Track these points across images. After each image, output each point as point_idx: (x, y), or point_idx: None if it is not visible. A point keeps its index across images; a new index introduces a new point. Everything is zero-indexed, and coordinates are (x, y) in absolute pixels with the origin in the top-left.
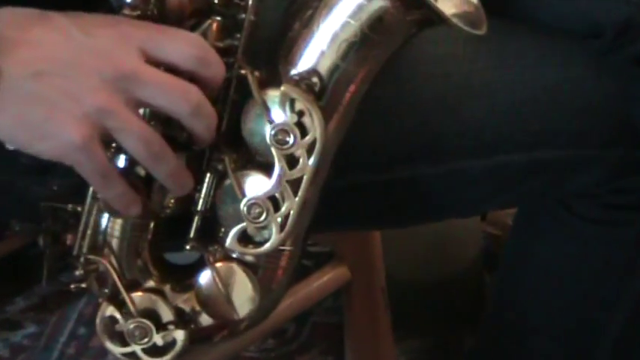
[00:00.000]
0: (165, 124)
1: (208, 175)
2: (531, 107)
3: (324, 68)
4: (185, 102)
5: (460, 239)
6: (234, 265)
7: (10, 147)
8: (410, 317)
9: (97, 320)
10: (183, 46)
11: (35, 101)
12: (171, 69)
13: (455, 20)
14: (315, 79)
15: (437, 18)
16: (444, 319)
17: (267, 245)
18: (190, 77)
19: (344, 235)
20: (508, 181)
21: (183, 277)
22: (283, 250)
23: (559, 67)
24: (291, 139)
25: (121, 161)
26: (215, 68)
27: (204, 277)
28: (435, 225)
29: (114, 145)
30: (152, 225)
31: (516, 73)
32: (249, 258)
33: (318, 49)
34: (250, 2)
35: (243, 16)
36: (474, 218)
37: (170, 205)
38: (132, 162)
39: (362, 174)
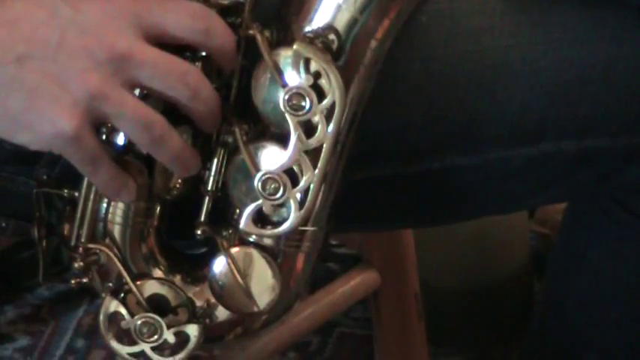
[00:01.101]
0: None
1: (218, 150)
2: (580, 88)
3: (340, 23)
4: (183, 85)
5: (505, 240)
6: (252, 250)
7: None
8: (447, 329)
9: (101, 317)
10: (184, 17)
11: (17, 88)
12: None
13: None
14: (331, 36)
15: None
16: (486, 331)
17: (287, 224)
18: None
19: (372, 235)
20: (554, 173)
21: (194, 266)
22: (305, 230)
23: (611, 43)
24: (307, 104)
25: (119, 139)
26: (221, 38)
27: (219, 265)
28: (476, 223)
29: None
30: (158, 210)
31: (562, 49)
32: (267, 241)
33: (333, 2)
34: None
35: None
36: (520, 216)
37: (176, 186)
38: (130, 141)
39: (386, 166)
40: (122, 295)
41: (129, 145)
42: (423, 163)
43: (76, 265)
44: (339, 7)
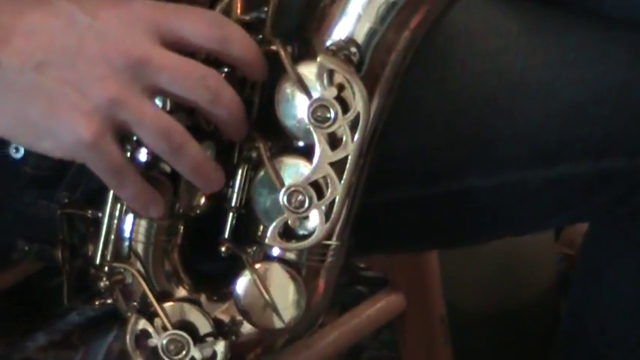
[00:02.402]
0: (189, 112)
1: (241, 166)
2: (596, 109)
3: (361, 35)
4: (203, 88)
5: (531, 262)
6: (276, 265)
7: (15, 155)
8: (474, 351)
9: (127, 336)
10: (201, 25)
11: (37, 95)
12: (193, 52)
13: None
14: (353, 49)
15: None
16: (513, 354)
17: (313, 237)
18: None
19: (397, 258)
20: (571, 194)
21: (218, 284)
22: (328, 245)
23: (627, 63)
24: (332, 116)
25: (143, 155)
26: (240, 47)
27: (243, 282)
28: (502, 245)
29: (135, 138)
30: (181, 227)
31: (578, 70)
32: (290, 256)
33: (354, 14)
34: None
35: None
36: (546, 237)
37: (200, 203)
38: (155, 157)
39: (403, 188)
40: (148, 313)
41: (153, 161)
42: (442, 185)
43: (101, 284)
44: (359, 18)
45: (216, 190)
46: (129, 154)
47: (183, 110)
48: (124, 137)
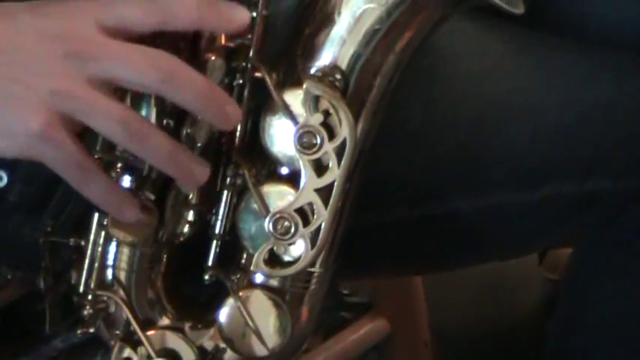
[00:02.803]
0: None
1: (225, 193)
2: (581, 131)
3: (345, 59)
4: (152, 69)
5: (516, 285)
6: (260, 292)
7: None
8: None
9: None
10: (138, 5)
11: None
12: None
13: None
14: (338, 75)
15: None
16: None
17: (298, 264)
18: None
19: (382, 283)
20: (557, 216)
21: (203, 311)
22: (312, 272)
23: (611, 85)
24: (318, 142)
25: (126, 182)
26: (182, 17)
27: (228, 309)
28: (486, 270)
29: (119, 165)
30: (165, 255)
31: (563, 92)
32: (273, 282)
33: (338, 41)
34: None
35: (254, 14)
36: (531, 261)
37: (184, 231)
38: (139, 183)
39: (389, 211)
40: (132, 341)
41: (138, 187)
42: (428, 208)
43: (85, 312)
44: (343, 43)
45: (201, 184)
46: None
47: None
48: (108, 164)
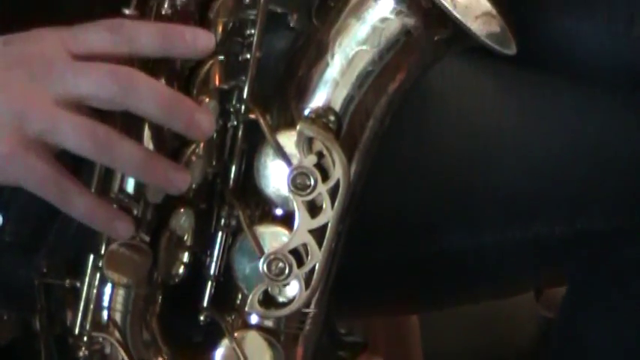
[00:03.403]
0: None
1: (220, 234)
2: (571, 169)
3: (338, 101)
4: (113, 82)
5: (512, 322)
6: (255, 333)
7: None
8: None
9: None
10: (104, 31)
11: None
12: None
13: (484, 39)
14: (331, 117)
15: (464, 37)
16: None
17: (293, 305)
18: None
19: (378, 321)
20: (549, 255)
21: (198, 352)
22: (307, 312)
23: (600, 122)
24: (311, 183)
25: None
26: (147, 45)
27: (223, 350)
28: (482, 307)
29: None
30: (160, 296)
31: (552, 131)
32: (268, 323)
33: (331, 82)
34: (255, 38)
35: (247, 56)
36: (527, 298)
37: (179, 272)
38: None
39: (382, 251)
40: None
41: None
42: (420, 247)
43: (80, 353)
44: (336, 85)
45: (182, 191)
46: None
47: None
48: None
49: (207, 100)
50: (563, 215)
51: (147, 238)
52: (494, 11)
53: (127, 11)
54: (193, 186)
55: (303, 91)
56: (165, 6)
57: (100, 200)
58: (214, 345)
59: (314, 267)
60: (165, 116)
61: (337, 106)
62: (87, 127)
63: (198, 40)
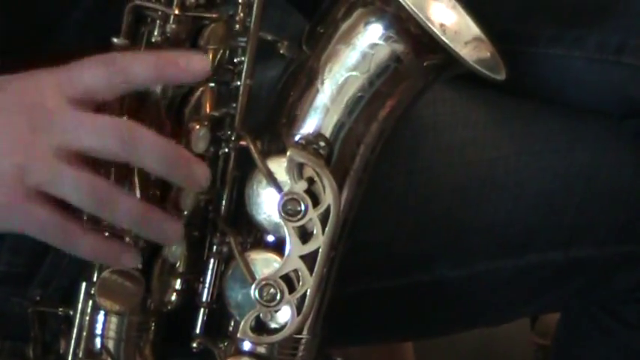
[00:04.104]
0: None
1: (212, 261)
2: (564, 198)
3: (329, 129)
4: (115, 137)
5: (507, 351)
6: None
7: None
8: None
9: None
10: (101, 71)
11: None
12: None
13: (474, 65)
14: (322, 143)
15: (454, 63)
16: None
17: (285, 331)
18: None
19: (372, 349)
20: (542, 283)
21: None
22: (299, 338)
23: (593, 152)
24: (302, 209)
25: None
26: (143, 75)
27: None
28: (477, 333)
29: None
30: (153, 324)
31: (545, 160)
32: (261, 350)
33: (322, 109)
34: (246, 65)
35: (238, 83)
36: (522, 326)
37: (172, 300)
38: None
39: (375, 280)
40: None
41: None
42: (412, 276)
43: None
44: (327, 111)
45: (174, 242)
46: None
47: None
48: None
49: (197, 127)
50: (556, 244)
51: (139, 266)
52: (483, 36)
53: (116, 40)
54: (185, 213)
55: (294, 118)
56: (156, 33)
57: (104, 237)
58: None
59: (305, 293)
60: (165, 170)
61: (328, 132)
62: (87, 182)
63: (192, 65)
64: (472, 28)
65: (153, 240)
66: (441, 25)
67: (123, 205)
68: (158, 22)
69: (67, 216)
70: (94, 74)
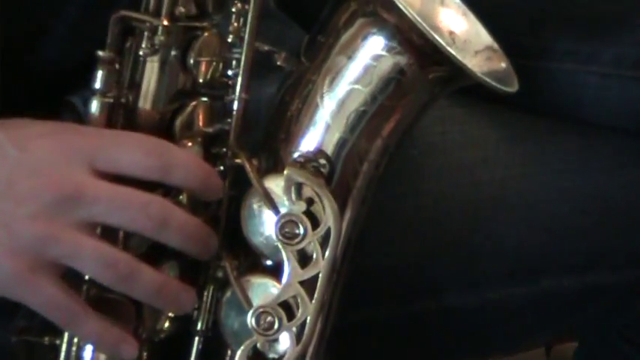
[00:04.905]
0: None
1: (207, 287)
2: (579, 221)
3: (330, 145)
4: (145, 217)
5: None
6: None
7: None
8: None
9: None
10: (139, 155)
11: None
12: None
13: (482, 76)
14: (322, 160)
15: (460, 75)
16: None
17: None
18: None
19: None
20: (557, 310)
21: None
22: None
23: (609, 172)
24: (301, 232)
25: None
26: (185, 173)
27: None
28: None
29: None
30: (145, 353)
31: (559, 181)
32: None
33: (322, 124)
34: (240, 78)
35: (233, 97)
36: (537, 354)
37: (165, 328)
38: None
39: (379, 308)
40: None
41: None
42: (420, 304)
43: None
44: (328, 127)
45: (188, 311)
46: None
47: None
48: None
49: (189, 144)
50: (571, 270)
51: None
52: (496, 45)
53: (101, 54)
54: None
55: (292, 134)
56: (144, 46)
57: (107, 324)
58: None
59: (305, 320)
60: (187, 247)
61: (328, 149)
62: (109, 257)
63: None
64: (484, 37)
65: (166, 310)
66: (450, 33)
67: (142, 280)
68: (146, 33)
69: (72, 296)
70: (131, 160)
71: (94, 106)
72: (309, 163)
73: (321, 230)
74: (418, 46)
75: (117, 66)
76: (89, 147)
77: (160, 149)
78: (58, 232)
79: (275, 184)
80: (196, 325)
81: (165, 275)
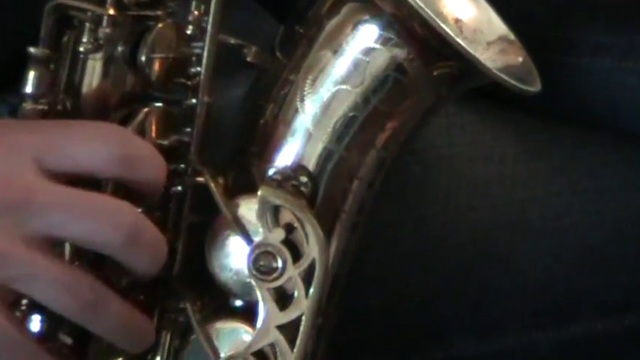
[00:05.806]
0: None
1: (164, 333)
2: (615, 251)
3: (313, 159)
4: (113, 228)
5: None
6: None
7: None
8: None
9: None
10: (97, 145)
11: None
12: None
13: (497, 72)
14: (303, 178)
15: (472, 71)
16: None
17: None
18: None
19: None
20: (592, 357)
21: None
22: None
23: None
24: (279, 265)
25: (36, 324)
26: (150, 167)
27: None
28: None
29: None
30: None
31: (591, 202)
32: None
33: (303, 133)
34: (202, 78)
35: (193, 101)
36: None
37: None
38: (53, 325)
39: (375, 357)
40: None
41: (51, 330)
42: (424, 354)
43: None
44: (309, 137)
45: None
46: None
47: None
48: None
49: None
50: (607, 309)
51: (69, 341)
52: (511, 35)
53: (34, 50)
54: None
55: (266, 146)
56: (85, 40)
57: None
58: None
59: None
60: (152, 269)
61: (311, 164)
62: (68, 278)
63: None
64: (497, 25)
65: (122, 347)
66: (457, 21)
67: (110, 310)
68: (88, 25)
69: (22, 331)
70: (88, 152)
71: (25, 113)
72: (287, 181)
73: (303, 263)
74: (419, 36)
75: (52, 65)
76: (36, 144)
77: (122, 136)
78: (7, 249)
79: (247, 208)
80: None
81: (131, 306)
